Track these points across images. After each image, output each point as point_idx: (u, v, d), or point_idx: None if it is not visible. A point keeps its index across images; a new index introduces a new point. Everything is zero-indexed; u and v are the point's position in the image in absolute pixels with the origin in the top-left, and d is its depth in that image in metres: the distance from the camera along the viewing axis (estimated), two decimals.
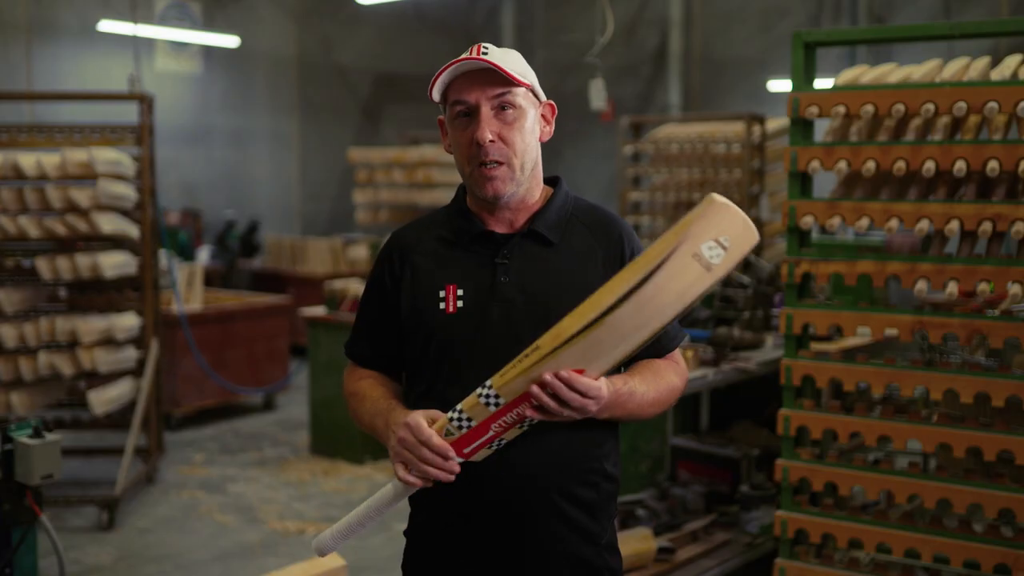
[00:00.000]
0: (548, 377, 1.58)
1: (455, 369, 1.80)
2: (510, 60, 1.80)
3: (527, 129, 1.81)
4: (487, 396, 1.63)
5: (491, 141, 1.76)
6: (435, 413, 1.70)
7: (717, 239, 1.54)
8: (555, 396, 1.60)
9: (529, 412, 1.62)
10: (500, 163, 1.78)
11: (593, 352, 1.58)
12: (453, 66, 1.78)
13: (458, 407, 1.66)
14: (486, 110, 1.77)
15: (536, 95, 1.85)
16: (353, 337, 2.00)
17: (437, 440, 1.66)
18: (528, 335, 1.74)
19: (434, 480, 1.69)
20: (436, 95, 1.83)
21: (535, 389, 1.59)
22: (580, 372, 1.59)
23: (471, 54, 1.78)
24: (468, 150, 1.79)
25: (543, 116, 1.88)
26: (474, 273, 1.83)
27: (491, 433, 1.66)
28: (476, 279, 1.82)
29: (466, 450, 1.67)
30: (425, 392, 1.85)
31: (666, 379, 1.85)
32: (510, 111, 1.79)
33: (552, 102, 1.90)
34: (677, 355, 1.93)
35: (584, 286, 1.78)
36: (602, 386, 1.63)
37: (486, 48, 1.79)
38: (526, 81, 1.80)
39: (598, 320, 1.56)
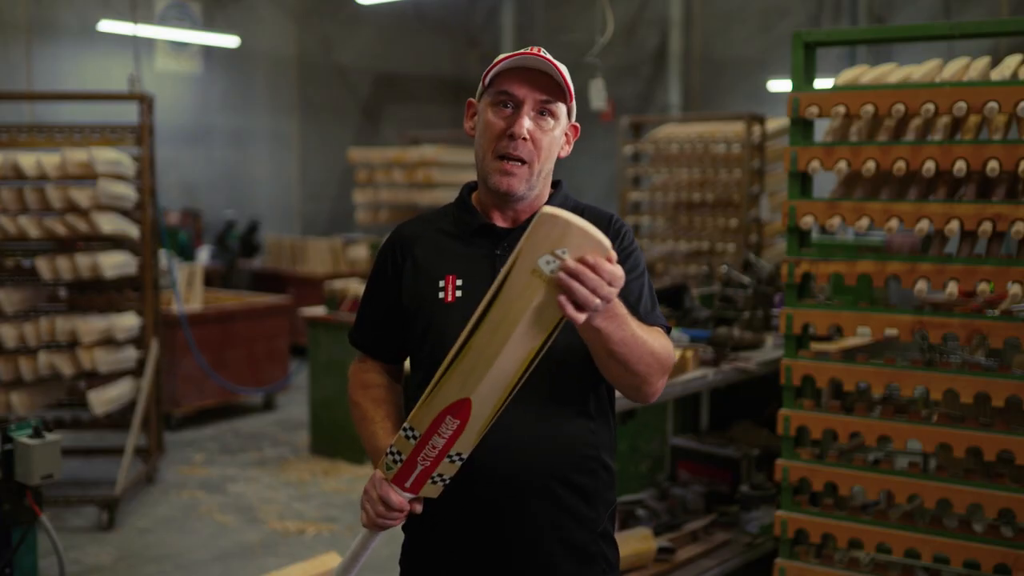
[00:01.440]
0: (562, 275, 1.47)
1: None
2: (565, 73, 1.83)
3: (555, 139, 1.84)
4: (406, 430, 1.69)
5: (524, 139, 1.79)
6: None
7: (553, 252, 1.47)
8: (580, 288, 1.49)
9: (570, 310, 1.50)
10: (523, 162, 1.80)
11: (472, 379, 1.60)
12: (517, 57, 1.79)
13: (391, 444, 1.73)
14: (528, 109, 1.80)
15: (570, 113, 1.89)
16: (357, 327, 2.03)
17: (395, 498, 1.74)
18: None
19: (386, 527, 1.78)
20: (488, 78, 1.85)
21: (561, 298, 1.48)
22: (467, 401, 1.62)
23: (533, 52, 1.80)
24: (498, 138, 1.81)
25: (566, 134, 1.91)
26: (474, 264, 1.86)
27: (420, 467, 1.70)
28: (475, 270, 1.85)
29: (407, 484, 1.73)
30: (423, 380, 1.85)
31: (656, 339, 1.77)
32: (549, 119, 1.82)
33: (577, 124, 1.93)
34: (664, 335, 1.87)
35: None
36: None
37: (545, 54, 1.81)
38: (572, 98, 1.85)
39: (462, 349, 1.58)
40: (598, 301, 1.49)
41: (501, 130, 1.80)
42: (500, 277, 1.52)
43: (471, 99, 1.92)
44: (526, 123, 1.79)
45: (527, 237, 1.48)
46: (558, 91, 1.81)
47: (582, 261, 1.46)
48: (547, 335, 1.56)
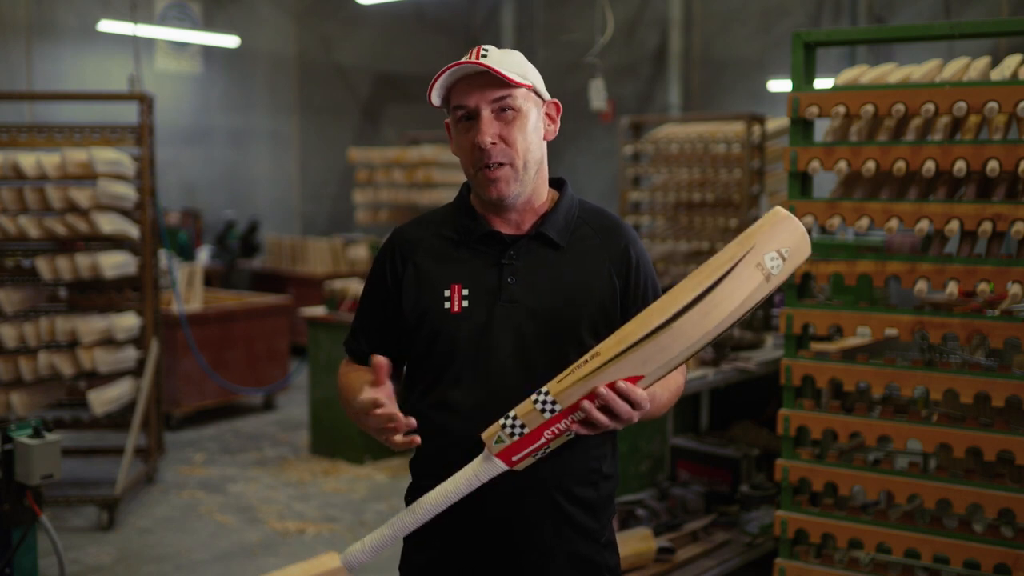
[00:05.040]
0: (603, 389, 1.57)
1: (457, 368, 1.79)
2: (509, 61, 1.78)
3: (529, 129, 1.79)
4: (543, 403, 1.61)
5: (492, 144, 1.75)
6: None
7: (779, 250, 1.60)
8: (605, 408, 1.59)
9: (575, 427, 1.61)
10: (503, 164, 1.77)
11: (656, 358, 1.58)
12: (450, 70, 1.77)
13: (511, 413, 1.63)
14: (486, 113, 1.76)
15: (539, 94, 1.84)
16: (352, 333, 1.98)
17: (365, 397, 1.63)
18: (532, 337, 1.75)
19: (392, 439, 1.65)
20: (436, 100, 1.82)
21: (586, 403, 1.58)
22: (635, 380, 1.58)
23: (470, 57, 1.77)
24: (471, 154, 1.78)
25: (547, 115, 1.87)
26: (480, 273, 1.81)
27: (542, 440, 1.63)
28: (482, 279, 1.81)
29: (515, 458, 1.64)
30: (426, 391, 1.84)
31: (675, 380, 1.85)
32: (510, 113, 1.77)
33: (557, 100, 1.89)
34: None
35: (590, 291, 1.80)
36: (648, 397, 1.62)
37: (485, 51, 1.77)
38: (526, 82, 1.78)
39: (665, 325, 1.56)
40: (612, 425, 1.61)
41: (471, 145, 1.78)
42: (723, 267, 1.57)
43: (447, 121, 1.87)
44: (488, 130, 1.75)
45: (762, 232, 1.59)
46: (506, 83, 1.76)
47: (613, 387, 1.57)
48: (733, 323, 1.61)
